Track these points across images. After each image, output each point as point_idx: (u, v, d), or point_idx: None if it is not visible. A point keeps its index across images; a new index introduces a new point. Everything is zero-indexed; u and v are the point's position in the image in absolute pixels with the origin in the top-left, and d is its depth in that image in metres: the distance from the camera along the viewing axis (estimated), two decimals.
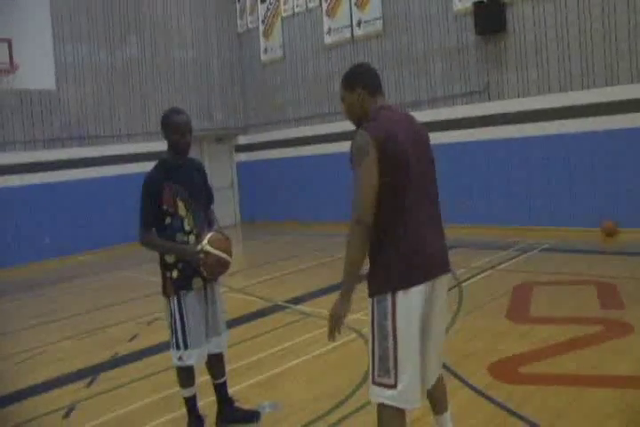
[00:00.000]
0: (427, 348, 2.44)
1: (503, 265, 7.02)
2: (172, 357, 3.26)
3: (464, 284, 6.29)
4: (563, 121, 8.48)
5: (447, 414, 2.63)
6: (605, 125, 8.13)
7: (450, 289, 6.03)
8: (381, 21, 10.47)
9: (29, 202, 9.95)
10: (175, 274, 3.17)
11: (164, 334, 5.34)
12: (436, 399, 2.63)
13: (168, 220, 3.15)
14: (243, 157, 13.67)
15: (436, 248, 2.39)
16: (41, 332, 5.99)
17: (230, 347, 4.62)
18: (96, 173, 10.88)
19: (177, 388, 3.93)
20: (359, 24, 10.74)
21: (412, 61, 10.22)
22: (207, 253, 3.04)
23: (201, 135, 12.51)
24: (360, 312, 5.40)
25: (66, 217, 10.37)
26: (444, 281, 2.45)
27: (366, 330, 4.86)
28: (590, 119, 8.23)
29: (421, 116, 9.99)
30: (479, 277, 6.55)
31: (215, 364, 3.42)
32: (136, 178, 11.73)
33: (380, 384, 2.32)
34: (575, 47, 8.37)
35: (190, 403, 3.31)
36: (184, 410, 3.56)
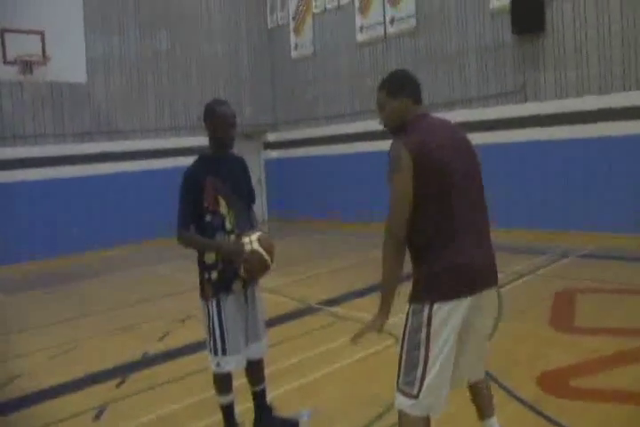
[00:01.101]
0: (463, 354, 2.42)
1: (542, 270, 6.84)
2: (210, 362, 3.13)
3: (504, 288, 6.11)
4: (602, 124, 8.23)
5: (494, 419, 2.60)
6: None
7: None
8: (415, 19, 10.29)
9: (58, 195, 9.95)
10: (215, 276, 3.03)
11: (194, 334, 5.32)
12: (481, 405, 2.62)
13: (208, 217, 3.00)
14: (271, 154, 13.59)
15: (481, 261, 2.33)
16: (73, 327, 5.95)
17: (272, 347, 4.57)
18: (125, 168, 10.85)
19: (211, 392, 3.84)
20: (392, 21, 10.57)
21: (445, 60, 10.02)
22: (253, 251, 2.89)
23: None
24: (397, 316, 5.36)
25: (94, 211, 10.36)
26: (489, 295, 2.39)
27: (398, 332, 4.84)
28: (631, 122, 7.97)
29: (455, 116, 9.82)
30: (519, 281, 6.37)
31: (254, 370, 3.30)
32: (164, 173, 11.85)
33: (402, 392, 2.33)
34: (617, 47, 8.11)
35: (227, 411, 3.18)
36: (219, 416, 3.48)
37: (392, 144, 2.31)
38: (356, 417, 3.44)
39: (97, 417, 3.74)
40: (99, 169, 10.49)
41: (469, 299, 2.29)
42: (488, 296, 2.38)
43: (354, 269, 7.82)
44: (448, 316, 2.27)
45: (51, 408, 3.93)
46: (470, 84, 9.74)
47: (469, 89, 9.76)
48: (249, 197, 3.24)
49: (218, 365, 3.06)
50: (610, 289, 5.88)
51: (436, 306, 2.26)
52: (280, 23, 12.90)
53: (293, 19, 12.55)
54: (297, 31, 12.49)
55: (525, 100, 9.02)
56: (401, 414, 2.37)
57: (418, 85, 2.47)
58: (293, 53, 12.64)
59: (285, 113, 13.10)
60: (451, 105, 9.88)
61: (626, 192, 8.12)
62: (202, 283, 3.08)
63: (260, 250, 2.89)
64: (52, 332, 5.81)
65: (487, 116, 9.37)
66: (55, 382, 4.40)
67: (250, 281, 3.10)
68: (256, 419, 3.35)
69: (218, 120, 3.00)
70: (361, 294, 6.43)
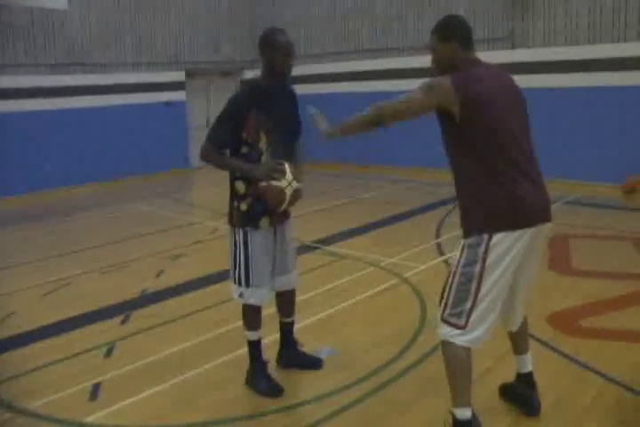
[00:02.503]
0: (516, 291, 2.51)
1: None
2: (233, 291, 3.05)
3: None
4: (590, 73, 8.19)
5: (528, 355, 2.75)
6: (635, 80, 7.87)
7: None
8: None
9: (30, 129, 9.43)
10: (244, 207, 2.92)
11: (190, 272, 5.26)
12: (519, 340, 2.73)
13: (245, 149, 2.88)
14: None
15: (538, 195, 2.38)
16: (60, 265, 5.74)
17: None
18: (101, 102, 10.32)
19: (220, 329, 3.87)
20: None
21: (433, 4, 9.71)
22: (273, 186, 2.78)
23: (206, 68, 11.96)
24: (397, 256, 5.41)
25: (68, 146, 9.88)
26: (544, 229, 2.43)
27: (408, 275, 4.89)
28: (619, 73, 7.96)
29: None
30: None
31: (283, 301, 3.26)
32: (139, 108, 11.32)
33: (448, 323, 2.41)
34: None
35: (255, 347, 3.12)
36: (237, 353, 3.46)
37: (441, 77, 2.35)
38: (377, 355, 3.47)
39: (107, 355, 3.65)
40: (72, 103, 9.94)
41: (528, 231, 2.33)
42: (543, 231, 2.43)
43: (342, 209, 7.81)
44: (505, 251, 2.31)
45: (56, 346, 3.82)
46: None
47: None
48: (295, 131, 3.10)
49: (241, 295, 3.00)
50: (600, 235, 6.01)
51: (494, 239, 2.30)
52: None
53: None
54: None
55: (513, 46, 8.88)
56: (445, 344, 2.45)
57: (469, 31, 2.47)
58: None
59: None
60: None
61: (611, 142, 8.20)
62: (231, 210, 2.99)
63: (280, 184, 2.78)
64: (40, 269, 5.60)
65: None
66: (54, 319, 4.25)
67: (278, 218, 3.00)
68: (280, 352, 3.34)
69: (278, 50, 2.83)
70: (353, 233, 6.44)
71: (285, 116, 2.97)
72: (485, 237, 2.32)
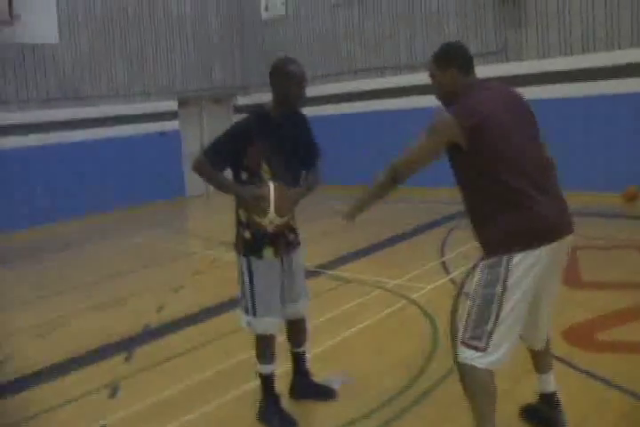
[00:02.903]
0: (539, 306, 2.46)
1: None
2: (242, 320, 2.98)
3: None
4: (584, 83, 8.21)
5: (551, 374, 2.67)
6: (629, 88, 7.88)
7: None
8: None
9: (23, 165, 9.38)
10: (248, 235, 2.89)
11: (192, 304, 5.15)
12: (542, 359, 2.66)
13: (244, 176, 2.84)
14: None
15: (556, 211, 2.33)
16: (55, 303, 5.61)
17: None
18: (95, 135, 10.30)
19: (227, 363, 3.76)
20: None
21: (425, 19, 9.78)
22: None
23: (199, 95, 12.01)
24: (403, 278, 5.32)
25: (63, 180, 9.82)
26: (566, 242, 2.38)
27: (414, 296, 4.80)
28: (613, 82, 7.98)
29: None
30: None
31: (292, 330, 3.18)
32: (131, 141, 11.35)
33: (469, 346, 2.34)
34: (600, 8, 8.03)
35: (267, 381, 3.01)
36: (246, 387, 3.35)
37: (442, 111, 2.36)
38: (391, 382, 3.36)
39: (112, 395, 3.53)
40: (66, 137, 9.91)
41: (549, 247, 2.27)
42: (565, 244, 2.37)
43: (337, 233, 7.68)
44: (526, 271, 2.25)
45: (59, 388, 3.70)
46: None
47: None
48: (308, 156, 3.05)
49: (248, 324, 2.93)
50: (605, 245, 5.93)
51: (515, 260, 2.25)
52: None
53: None
54: None
55: (507, 59, 8.92)
56: (465, 367, 2.37)
57: (467, 56, 2.47)
58: (264, 14, 12.15)
59: (257, 76, 12.66)
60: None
61: (606, 151, 8.19)
62: (237, 236, 2.95)
63: (261, 221, 2.74)
64: (34, 309, 5.47)
65: None
66: (55, 360, 4.12)
67: (284, 247, 2.94)
68: (292, 382, 3.25)
69: (291, 79, 2.79)
70: (356, 255, 6.35)
71: (294, 144, 2.92)
72: (506, 257, 2.26)
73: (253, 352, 3.81)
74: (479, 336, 2.30)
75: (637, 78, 7.81)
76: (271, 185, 2.72)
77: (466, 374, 2.38)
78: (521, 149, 2.31)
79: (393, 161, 2.41)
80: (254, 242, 2.87)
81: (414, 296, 4.84)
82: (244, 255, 2.89)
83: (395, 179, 2.41)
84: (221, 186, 2.84)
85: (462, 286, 4.97)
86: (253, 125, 2.81)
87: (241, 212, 2.89)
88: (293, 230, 3.04)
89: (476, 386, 2.35)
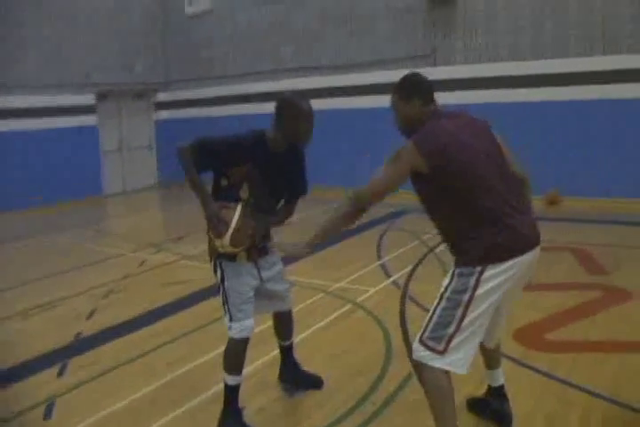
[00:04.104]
0: (501, 310, 2.51)
1: None
2: (226, 325, 2.88)
3: (437, 250, 6.18)
4: (510, 90, 8.54)
5: (500, 369, 2.80)
6: (553, 96, 8.28)
7: (424, 256, 5.99)
8: None
9: None
10: None
11: (126, 310, 4.82)
12: (493, 355, 2.77)
13: (224, 182, 2.75)
14: (163, 114, 12.67)
15: (526, 223, 2.38)
16: None
17: (213, 323, 4.20)
18: (6, 127, 9.55)
19: (172, 374, 3.53)
20: None
21: (355, 22, 9.83)
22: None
23: (118, 90, 11.43)
24: (345, 280, 5.24)
25: None
26: (535, 252, 2.43)
27: (360, 300, 4.74)
28: (541, 89, 8.34)
29: (363, 78, 9.78)
30: None
31: (279, 323, 3.20)
32: (44, 134, 10.68)
33: (426, 346, 2.36)
34: (527, 15, 8.39)
35: (232, 393, 2.85)
36: (194, 401, 3.16)
37: (406, 143, 2.38)
38: (353, 386, 3.27)
39: (47, 415, 3.16)
40: None
41: (520, 259, 2.33)
42: (534, 254, 2.43)
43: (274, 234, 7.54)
44: (496, 285, 2.30)
45: None
46: (380, 46, 9.65)
47: (379, 51, 9.66)
48: (294, 193, 2.97)
49: (229, 328, 2.84)
50: (542, 247, 6.11)
51: (486, 274, 2.29)
52: None
53: None
54: None
55: (435, 64, 9.12)
56: (422, 367, 2.40)
57: (429, 87, 2.53)
58: (187, 9, 11.76)
59: (179, 72, 12.24)
60: (360, 66, 9.75)
61: (524, 156, 8.50)
62: (209, 242, 2.84)
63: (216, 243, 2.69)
64: None
65: (397, 78, 9.31)
66: None
67: (257, 252, 2.86)
68: (281, 371, 3.29)
69: (301, 117, 2.71)
70: (290, 259, 6.15)
71: (284, 177, 2.85)
72: (479, 268, 2.30)
73: (198, 360, 3.66)
74: (438, 338, 2.34)
75: (562, 87, 8.22)
76: (237, 212, 2.62)
77: (422, 373, 2.42)
78: (488, 169, 2.35)
79: (356, 190, 2.41)
80: None
81: (359, 300, 4.77)
82: (217, 259, 2.82)
83: (358, 209, 2.41)
84: (194, 186, 2.71)
85: (406, 288, 4.99)
86: (253, 145, 2.72)
87: None
88: (267, 238, 2.96)
89: (432, 387, 2.38)
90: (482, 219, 2.31)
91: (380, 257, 6.10)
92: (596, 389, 3.08)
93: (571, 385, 3.15)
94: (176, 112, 12.51)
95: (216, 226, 2.59)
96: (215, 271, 2.86)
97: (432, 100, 2.50)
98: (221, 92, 11.65)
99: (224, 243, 2.61)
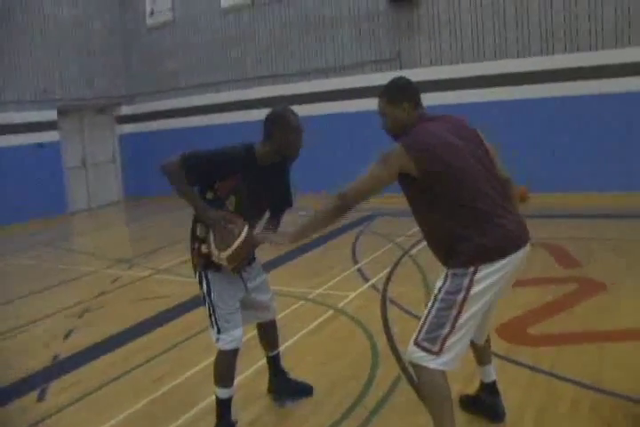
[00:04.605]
0: (491, 307, 2.54)
1: None
2: (212, 337, 2.86)
3: (412, 251, 6.23)
4: (474, 90, 8.70)
5: (492, 365, 2.84)
6: (516, 95, 8.47)
7: (400, 259, 6.02)
8: None
9: None
10: (204, 250, 2.74)
11: (103, 328, 4.72)
12: (485, 351, 2.81)
13: (210, 195, 2.73)
14: (126, 128, 12.49)
15: (515, 222, 2.41)
16: None
17: (196, 336, 4.14)
18: None
19: (157, 392, 3.46)
20: None
21: (318, 28, 9.88)
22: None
23: (80, 105, 11.24)
24: (323, 286, 5.23)
25: None
26: (524, 250, 2.45)
27: (341, 305, 4.74)
28: (504, 88, 8.52)
29: (328, 84, 9.83)
30: (422, 245, 6.50)
31: (264, 333, 3.17)
32: (5, 152, 10.39)
33: (421, 347, 2.37)
34: (488, 18, 8.57)
35: (224, 406, 2.81)
36: (184, 417, 3.10)
37: (394, 146, 2.39)
38: (344, 391, 3.26)
39: None
40: None
41: (512, 257, 2.36)
42: (525, 252, 2.46)
43: None
44: (490, 284, 2.33)
45: None
46: (344, 51, 9.72)
47: (343, 57, 9.73)
48: (280, 206, 3.00)
49: (217, 341, 2.81)
50: None
51: (479, 274, 2.31)
52: None
53: None
54: None
55: (401, 67, 9.22)
56: (418, 368, 2.41)
57: (417, 90, 2.56)
58: (149, 20, 11.65)
59: (142, 84, 12.08)
60: (324, 72, 9.80)
61: (502, 157, 8.67)
62: (193, 252, 2.82)
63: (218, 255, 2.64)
64: None
65: (362, 83, 9.43)
66: None
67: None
68: (270, 381, 3.25)
69: (292, 131, 2.71)
70: (269, 266, 6.06)
71: (271, 191, 2.85)
72: (471, 269, 2.32)
73: (185, 374, 3.60)
74: (433, 339, 2.35)
75: (525, 86, 8.41)
76: (244, 233, 2.59)
77: (418, 374, 2.43)
78: (477, 171, 2.38)
79: (341, 189, 2.41)
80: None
81: (340, 305, 4.77)
82: (202, 270, 2.78)
83: (343, 207, 2.40)
84: (187, 197, 2.69)
85: (385, 291, 5.01)
86: (241, 161, 2.70)
87: (198, 226, 2.76)
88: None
89: (428, 387, 2.39)
90: (473, 220, 2.33)
91: (356, 262, 6.11)
92: (580, 379, 3.14)
93: (556, 377, 3.20)
94: (140, 125, 12.36)
95: (221, 231, 2.56)
96: (200, 283, 2.82)
97: (419, 104, 2.53)
98: (186, 103, 11.56)
99: (221, 256, 2.58)
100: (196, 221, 2.79)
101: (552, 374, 3.23)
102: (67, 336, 4.63)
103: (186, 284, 5.74)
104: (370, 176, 2.38)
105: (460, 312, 2.33)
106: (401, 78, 2.61)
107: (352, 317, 4.49)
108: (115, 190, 12.53)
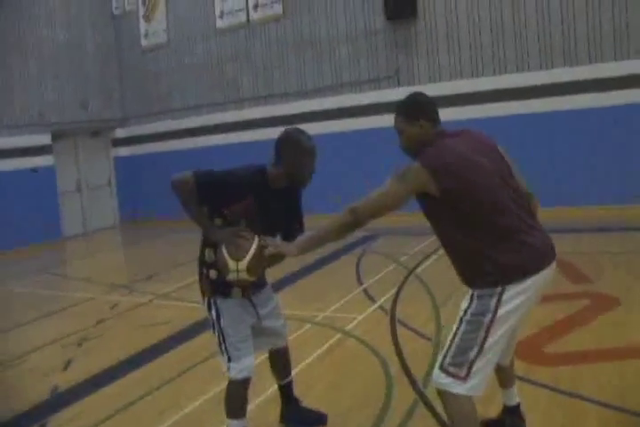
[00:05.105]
0: (515, 329, 2.46)
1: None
2: (222, 366, 2.74)
3: (417, 271, 6.13)
4: (472, 106, 8.69)
5: (515, 388, 2.75)
6: (515, 110, 8.47)
7: (406, 278, 5.91)
8: (280, 4, 10.02)
9: None
10: (213, 275, 2.65)
11: (103, 357, 4.56)
12: (508, 373, 2.73)
13: (218, 221, 2.62)
14: (122, 151, 12.42)
15: (541, 239, 2.35)
16: None
17: (199, 364, 4.01)
18: None
19: (166, 423, 3.30)
20: (255, 7, 10.17)
21: (314, 46, 9.89)
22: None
23: (74, 128, 11.17)
24: (330, 309, 5.10)
25: None
26: (552, 267, 2.38)
27: (348, 328, 4.61)
28: (502, 104, 8.52)
29: (325, 103, 9.81)
30: (427, 263, 6.42)
31: (276, 361, 3.04)
32: (2, 177, 10.24)
33: (448, 373, 2.30)
34: (486, 33, 8.60)
35: None
36: None
37: (412, 163, 2.32)
38: (358, 420, 3.12)
39: None
40: None
41: (538, 276, 2.28)
42: (552, 269, 2.38)
43: None
44: (518, 305, 2.26)
45: None
46: (342, 70, 9.72)
47: (341, 75, 9.73)
48: (291, 231, 2.85)
49: (227, 369, 2.69)
50: None
51: (507, 294, 2.24)
52: (127, 9, 11.83)
53: (143, 4, 11.54)
54: (147, 18, 11.51)
55: (399, 84, 9.22)
56: (446, 394, 2.32)
57: (434, 107, 2.48)
58: (144, 42, 11.67)
59: (137, 107, 12.05)
60: (321, 91, 9.79)
61: None
62: (201, 278, 2.72)
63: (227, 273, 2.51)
64: None
65: (360, 101, 9.42)
66: None
67: (250, 289, 2.72)
68: (283, 412, 3.12)
69: (306, 155, 2.60)
70: (273, 289, 6.02)
71: (283, 215, 2.75)
72: (498, 289, 2.24)
73: (191, 405, 3.45)
74: (460, 364, 2.27)
75: (522, 101, 8.41)
76: (254, 243, 2.47)
77: (445, 401, 2.33)
78: (500, 187, 2.31)
79: (354, 204, 2.33)
80: (221, 281, 2.60)
81: (348, 328, 4.64)
82: (211, 296, 2.68)
83: (354, 223, 2.32)
84: (195, 217, 2.62)
85: (393, 312, 4.88)
86: (253, 183, 2.60)
87: (207, 251, 2.66)
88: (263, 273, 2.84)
89: (456, 413, 2.31)
90: (498, 238, 2.25)
91: (361, 283, 5.99)
92: (601, 398, 3.03)
93: (579, 397, 3.09)
94: (135, 148, 12.30)
95: (235, 242, 2.45)
96: (209, 309, 2.71)
97: (437, 120, 2.45)
98: (181, 124, 11.52)
99: (240, 267, 2.43)
100: (204, 245, 2.69)
101: (573, 395, 3.12)
102: (66, 367, 4.47)
103: (185, 309, 5.63)
104: (385, 193, 2.29)
105: (487, 334, 2.24)
106: (419, 94, 2.52)
107: (361, 339, 4.36)
108: (110, 214, 12.41)
